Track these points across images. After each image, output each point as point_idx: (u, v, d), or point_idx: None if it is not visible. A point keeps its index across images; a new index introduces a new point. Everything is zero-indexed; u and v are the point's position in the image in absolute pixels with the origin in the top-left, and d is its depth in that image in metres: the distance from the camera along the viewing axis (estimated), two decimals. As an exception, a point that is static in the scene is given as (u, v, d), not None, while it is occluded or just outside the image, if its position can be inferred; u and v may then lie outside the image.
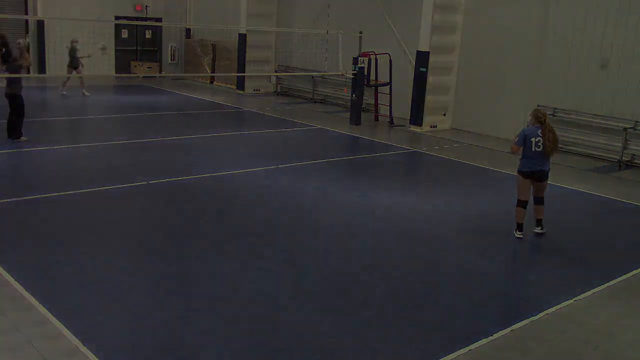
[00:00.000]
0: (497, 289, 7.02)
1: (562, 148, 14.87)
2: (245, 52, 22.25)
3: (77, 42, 18.44)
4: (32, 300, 6.01)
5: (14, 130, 12.40)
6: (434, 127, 17.12)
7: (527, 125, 8.57)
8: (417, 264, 7.62)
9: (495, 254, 8.10)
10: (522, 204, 8.48)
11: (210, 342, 5.48)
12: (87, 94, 18.95)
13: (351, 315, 6.14)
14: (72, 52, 18.48)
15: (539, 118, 8.41)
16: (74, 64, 18.47)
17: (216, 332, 5.66)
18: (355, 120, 17.25)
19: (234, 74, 22.80)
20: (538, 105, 15.30)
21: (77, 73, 18.69)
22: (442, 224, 9.11)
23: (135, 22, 23.81)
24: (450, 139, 16.02)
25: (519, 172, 8.48)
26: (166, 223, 8.51)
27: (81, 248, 7.37)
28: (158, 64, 25.48)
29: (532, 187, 8.55)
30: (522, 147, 8.36)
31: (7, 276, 6.47)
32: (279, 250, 7.75)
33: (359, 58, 17.24)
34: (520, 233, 8.51)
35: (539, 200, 8.66)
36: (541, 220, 8.72)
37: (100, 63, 23.08)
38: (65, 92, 18.95)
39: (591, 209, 10.61)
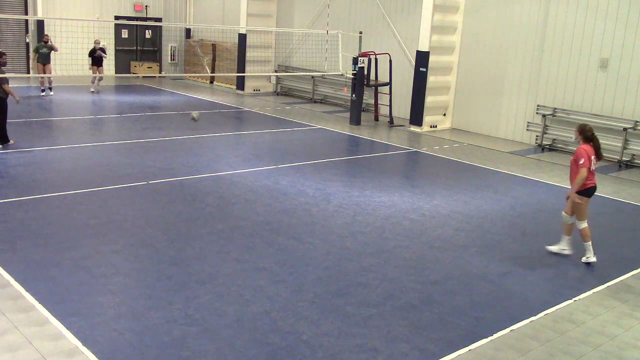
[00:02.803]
0: (497, 289, 7.02)
1: (562, 148, 14.91)
2: (245, 52, 22.26)
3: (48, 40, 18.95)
4: (32, 300, 6.02)
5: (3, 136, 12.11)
6: (433, 127, 17.13)
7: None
8: (417, 263, 7.62)
9: (495, 253, 8.10)
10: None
11: (210, 342, 5.48)
12: (44, 94, 18.84)
13: (351, 315, 6.14)
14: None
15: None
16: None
17: (216, 332, 5.66)
18: (356, 120, 17.26)
19: (234, 74, 22.81)
20: (538, 106, 15.39)
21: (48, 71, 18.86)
22: (442, 224, 9.11)
23: (135, 22, 23.81)
24: (450, 139, 16.03)
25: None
26: (166, 223, 8.50)
27: (81, 248, 7.37)
28: (158, 64, 25.48)
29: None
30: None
31: (7, 276, 6.48)
32: (278, 250, 7.75)
33: (359, 58, 17.24)
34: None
35: None
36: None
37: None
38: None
39: (591, 208, 10.60)
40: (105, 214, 8.67)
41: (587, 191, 7.80)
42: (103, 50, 19.83)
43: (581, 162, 7.60)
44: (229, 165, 11.75)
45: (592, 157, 7.68)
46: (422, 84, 16.71)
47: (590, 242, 7.93)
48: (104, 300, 6.13)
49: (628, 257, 8.32)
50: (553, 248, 8.19)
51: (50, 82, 19.21)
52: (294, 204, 9.64)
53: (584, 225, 7.89)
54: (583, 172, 7.59)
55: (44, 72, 18.73)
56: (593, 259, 7.90)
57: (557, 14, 14.91)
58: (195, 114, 15.08)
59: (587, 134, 7.75)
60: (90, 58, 19.80)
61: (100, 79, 20.13)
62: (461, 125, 17.37)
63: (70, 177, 10.42)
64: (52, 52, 18.75)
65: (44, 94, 18.79)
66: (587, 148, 7.68)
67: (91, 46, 19.31)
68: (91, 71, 20.06)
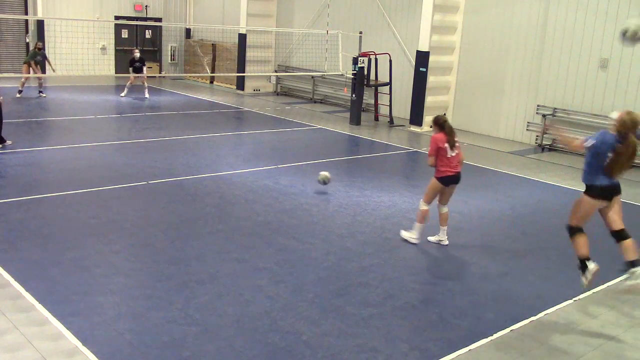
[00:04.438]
0: (497, 289, 7.02)
1: (562, 149, 14.91)
2: (245, 52, 22.26)
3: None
4: (32, 300, 6.02)
5: None
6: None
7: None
8: (417, 263, 7.62)
9: (494, 253, 8.10)
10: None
11: (210, 342, 5.48)
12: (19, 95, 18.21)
13: (351, 315, 6.14)
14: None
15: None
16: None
17: (216, 332, 5.66)
18: (356, 120, 17.26)
19: (234, 74, 22.82)
20: (538, 106, 15.38)
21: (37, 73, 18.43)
22: (442, 224, 9.11)
23: (135, 22, 23.81)
24: (450, 139, 16.01)
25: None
26: (166, 223, 8.50)
27: (81, 248, 7.37)
28: (158, 64, 25.48)
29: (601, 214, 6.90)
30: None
31: (7, 276, 6.48)
32: (278, 250, 7.75)
33: (359, 58, 17.24)
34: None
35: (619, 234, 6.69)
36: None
37: (100, 63, 23.09)
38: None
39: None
40: (105, 214, 8.67)
41: (442, 179, 7.99)
42: (143, 60, 19.72)
43: (428, 150, 8.03)
44: (229, 165, 11.75)
45: (446, 145, 7.84)
46: (422, 84, 16.71)
47: (422, 225, 8.09)
48: (104, 300, 6.13)
49: (628, 257, 8.30)
50: (432, 239, 8.31)
51: (40, 85, 18.84)
52: (294, 204, 9.64)
53: (426, 207, 8.07)
54: (430, 160, 7.96)
55: (29, 72, 18.13)
56: (415, 240, 8.10)
57: (557, 14, 14.92)
58: (323, 175, 10.69)
59: (439, 122, 7.97)
60: (131, 68, 19.57)
61: (143, 83, 19.81)
62: (461, 125, 17.35)
63: (70, 177, 10.41)
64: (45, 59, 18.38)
65: (19, 95, 17.95)
66: (438, 137, 7.88)
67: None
68: (132, 78, 19.55)
